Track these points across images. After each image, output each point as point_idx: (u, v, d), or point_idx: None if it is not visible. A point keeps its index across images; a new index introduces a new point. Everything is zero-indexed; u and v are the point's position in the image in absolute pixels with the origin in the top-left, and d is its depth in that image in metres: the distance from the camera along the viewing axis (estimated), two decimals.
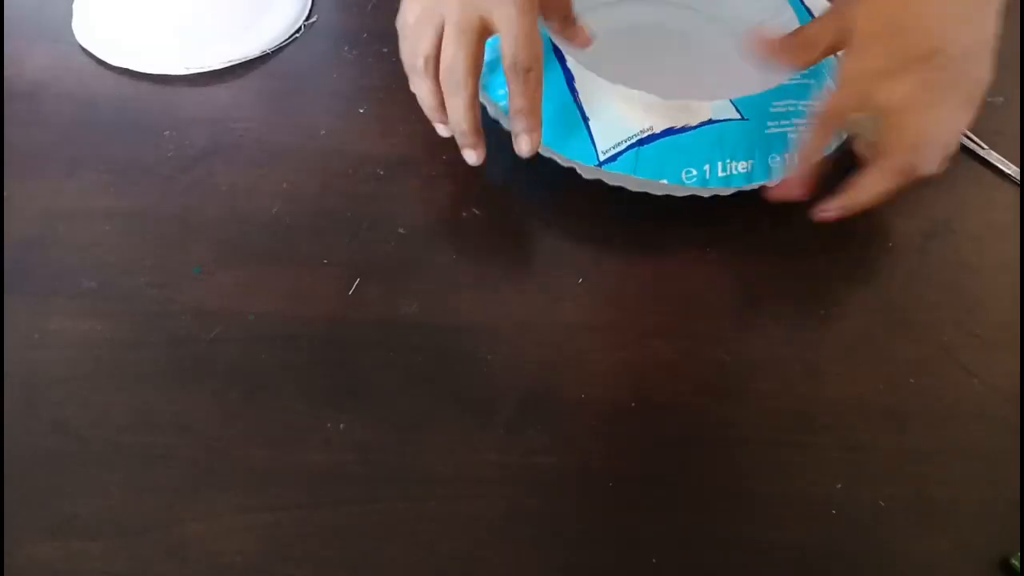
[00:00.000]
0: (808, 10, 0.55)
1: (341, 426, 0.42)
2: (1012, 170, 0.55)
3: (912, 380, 0.45)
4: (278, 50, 0.58)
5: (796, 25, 0.53)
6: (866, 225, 0.50)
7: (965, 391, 0.45)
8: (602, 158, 0.47)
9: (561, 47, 0.48)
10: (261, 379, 0.43)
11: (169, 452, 0.40)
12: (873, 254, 0.50)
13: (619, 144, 0.46)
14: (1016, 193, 0.53)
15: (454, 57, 0.44)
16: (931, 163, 0.44)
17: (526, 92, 0.45)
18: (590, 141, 0.47)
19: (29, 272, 0.46)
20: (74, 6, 0.59)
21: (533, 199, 0.51)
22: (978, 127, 0.57)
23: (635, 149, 0.46)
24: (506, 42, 0.43)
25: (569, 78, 0.48)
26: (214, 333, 0.44)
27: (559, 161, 0.48)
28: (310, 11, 0.61)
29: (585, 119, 0.47)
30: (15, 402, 0.42)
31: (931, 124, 0.43)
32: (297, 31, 0.59)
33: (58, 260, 0.47)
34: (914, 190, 0.53)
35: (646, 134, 0.46)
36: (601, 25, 0.58)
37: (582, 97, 0.47)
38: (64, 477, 0.40)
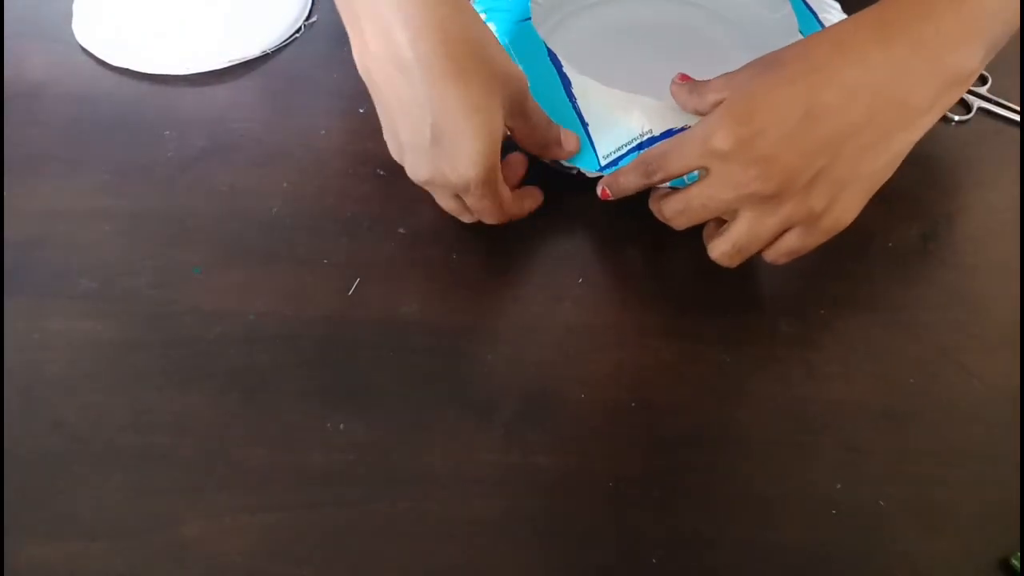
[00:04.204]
0: (808, 5, 0.55)
1: (341, 426, 0.42)
2: (1012, 170, 0.55)
3: (912, 380, 0.45)
4: (278, 50, 0.58)
5: (793, 22, 0.54)
6: (866, 225, 0.50)
7: (965, 391, 0.45)
8: (603, 163, 0.47)
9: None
10: (261, 379, 0.43)
11: (169, 452, 0.40)
12: (873, 254, 0.50)
13: (620, 148, 0.47)
14: (1016, 193, 0.53)
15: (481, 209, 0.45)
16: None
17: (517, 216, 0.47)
18: (591, 146, 0.47)
19: (29, 272, 0.46)
20: (74, 6, 0.59)
21: None
22: (979, 126, 0.57)
23: (635, 152, 0.46)
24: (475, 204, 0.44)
25: (566, 83, 0.48)
26: (214, 333, 0.44)
27: (563, 167, 0.48)
28: (310, 11, 0.61)
29: (584, 124, 0.47)
30: (15, 402, 0.42)
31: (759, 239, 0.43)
32: (297, 31, 0.59)
33: (58, 260, 0.47)
34: (913, 191, 0.53)
35: (646, 137, 0.46)
36: (599, 23, 0.58)
37: (580, 103, 0.47)
38: (64, 477, 0.40)
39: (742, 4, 0.58)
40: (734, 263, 0.44)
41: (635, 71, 0.49)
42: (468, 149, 0.40)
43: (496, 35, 0.50)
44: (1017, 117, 0.57)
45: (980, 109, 0.58)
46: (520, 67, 0.43)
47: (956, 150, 0.56)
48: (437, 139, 0.40)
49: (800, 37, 0.52)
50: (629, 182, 0.45)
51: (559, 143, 0.47)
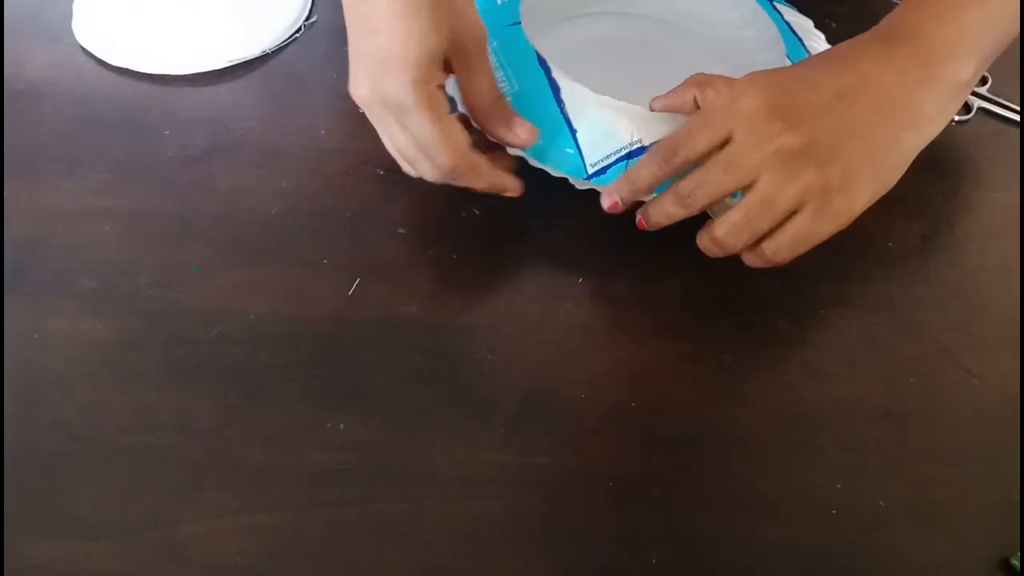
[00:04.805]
0: (782, 16, 0.55)
1: (341, 426, 0.42)
2: (1012, 170, 0.55)
3: (912, 380, 0.45)
4: (278, 50, 0.58)
5: (771, 35, 0.54)
6: (866, 225, 0.50)
7: (965, 391, 0.45)
8: (590, 171, 0.46)
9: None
10: (261, 379, 0.43)
11: (169, 452, 0.40)
12: (873, 254, 0.50)
13: (607, 157, 0.46)
14: (1016, 193, 0.53)
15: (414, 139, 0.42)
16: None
17: (478, 179, 0.44)
18: (578, 153, 0.46)
19: (29, 272, 0.46)
20: (74, 6, 0.59)
21: (533, 199, 0.51)
22: (979, 126, 0.57)
23: (624, 162, 0.45)
24: (424, 151, 0.42)
25: (555, 89, 0.47)
26: (214, 333, 0.44)
27: (550, 172, 0.48)
28: (310, 11, 0.61)
29: (572, 131, 0.46)
30: (15, 402, 0.42)
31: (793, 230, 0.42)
32: (297, 31, 0.59)
33: (58, 260, 0.47)
34: (913, 191, 0.53)
35: (635, 147, 0.46)
36: (572, 40, 0.57)
37: (568, 108, 0.47)
38: (64, 477, 0.40)
39: (723, 25, 0.57)
40: (738, 242, 0.42)
41: (616, 84, 0.47)
42: (403, 59, 0.39)
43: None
44: (1017, 117, 0.57)
45: (980, 109, 0.58)
46: (484, 24, 0.43)
47: (956, 150, 0.56)
48: (379, 51, 0.40)
49: (787, 62, 0.52)
50: (644, 174, 0.43)
51: (507, 123, 0.45)
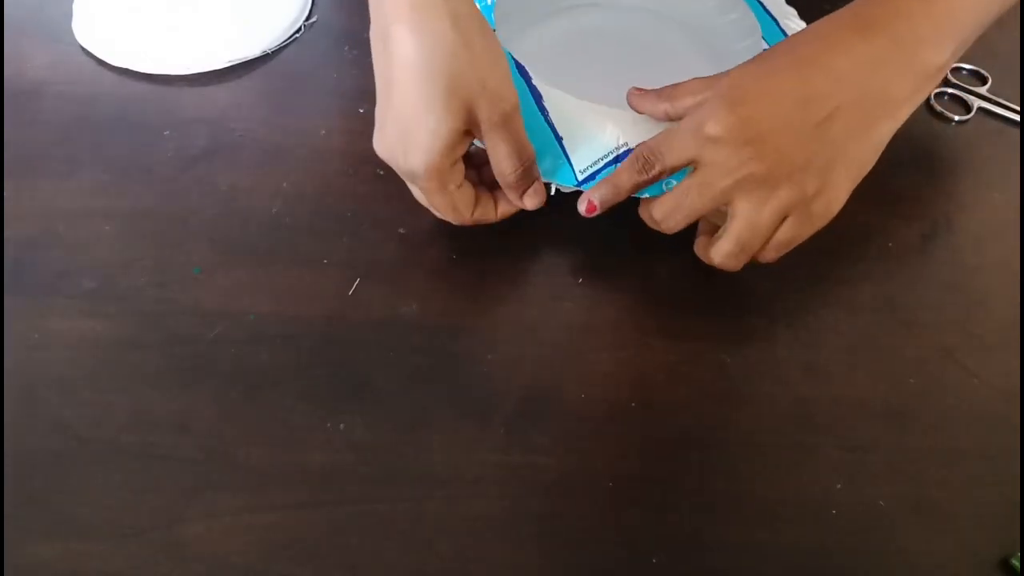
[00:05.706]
0: (764, 8, 0.55)
1: (341, 426, 0.42)
2: (1012, 170, 0.55)
3: (912, 380, 0.45)
4: (278, 50, 0.58)
5: (750, 23, 0.54)
6: (866, 225, 0.50)
7: (965, 391, 0.45)
8: (580, 177, 0.46)
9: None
10: (261, 379, 0.43)
11: (169, 452, 0.40)
12: (873, 254, 0.50)
13: (596, 162, 0.46)
14: (1016, 193, 0.53)
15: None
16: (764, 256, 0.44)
17: (487, 222, 0.47)
18: (566, 160, 0.46)
19: (29, 272, 0.46)
20: (74, 6, 0.59)
21: None
22: (979, 126, 0.57)
23: (612, 166, 0.45)
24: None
25: (537, 96, 0.47)
26: (214, 333, 0.44)
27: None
28: (310, 11, 0.61)
29: (558, 138, 0.46)
30: (15, 402, 0.42)
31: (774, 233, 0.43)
32: (297, 31, 0.59)
33: (58, 260, 0.47)
34: (913, 191, 0.53)
35: (623, 150, 0.46)
36: (550, 37, 0.57)
37: (552, 116, 0.47)
38: (64, 477, 0.40)
39: (702, 12, 0.58)
40: (739, 263, 0.44)
41: (600, 79, 0.47)
42: (418, 143, 0.41)
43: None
44: (1017, 117, 0.57)
45: (980, 109, 0.58)
46: (511, 90, 0.42)
47: (956, 150, 0.56)
48: (398, 122, 0.41)
49: (762, 41, 0.53)
50: (623, 182, 0.44)
51: (521, 194, 0.45)
